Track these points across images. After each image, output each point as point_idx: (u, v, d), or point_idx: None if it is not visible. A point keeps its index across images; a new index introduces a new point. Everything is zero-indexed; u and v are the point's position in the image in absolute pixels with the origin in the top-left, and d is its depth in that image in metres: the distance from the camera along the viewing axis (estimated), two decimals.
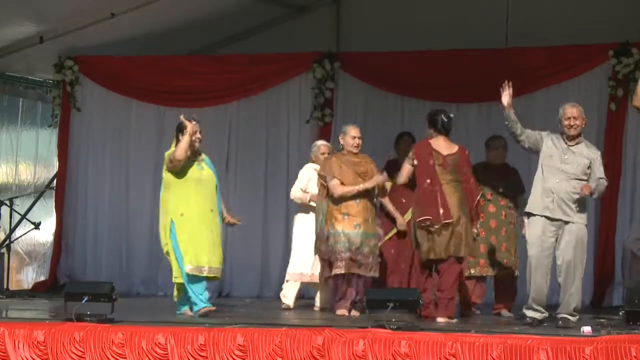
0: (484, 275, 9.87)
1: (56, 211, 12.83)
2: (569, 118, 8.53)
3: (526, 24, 11.90)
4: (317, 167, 10.16)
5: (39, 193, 13.20)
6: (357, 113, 11.95)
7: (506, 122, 8.61)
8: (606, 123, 11.26)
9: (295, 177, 10.46)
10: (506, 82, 8.54)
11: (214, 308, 9.20)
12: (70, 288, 8.81)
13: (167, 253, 9.32)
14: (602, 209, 11.20)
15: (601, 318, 8.71)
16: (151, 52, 12.51)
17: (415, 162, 9.08)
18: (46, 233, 13.15)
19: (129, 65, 12.62)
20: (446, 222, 8.89)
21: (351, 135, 9.57)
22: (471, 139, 11.03)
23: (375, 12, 12.58)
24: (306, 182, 10.21)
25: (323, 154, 10.24)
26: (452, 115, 9.23)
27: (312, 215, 10.06)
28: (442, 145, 9.10)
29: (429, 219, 8.88)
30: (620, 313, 8.34)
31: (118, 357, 7.81)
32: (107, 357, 7.81)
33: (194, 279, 9.16)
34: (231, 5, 12.08)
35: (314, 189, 10.01)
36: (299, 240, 10.30)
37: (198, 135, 9.28)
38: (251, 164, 12.45)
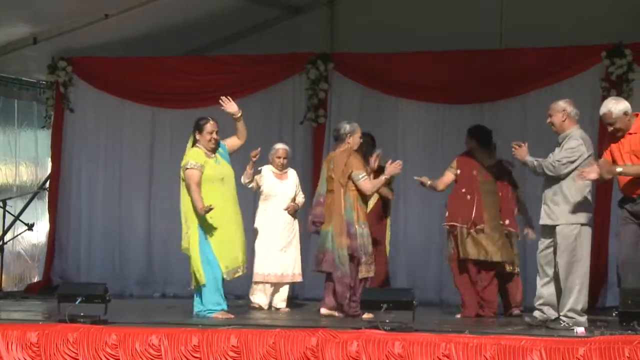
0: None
1: (49, 212, 12.82)
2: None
3: (520, 25, 11.90)
4: (274, 169, 10.44)
5: (32, 194, 13.19)
6: (351, 114, 11.90)
7: (532, 172, 8.67)
8: (599, 124, 11.25)
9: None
10: (515, 145, 8.72)
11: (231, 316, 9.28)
12: (63, 289, 8.79)
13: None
14: (596, 210, 11.14)
15: (595, 319, 8.72)
16: (145, 53, 12.50)
17: (458, 171, 9.76)
18: (40, 234, 13.13)
19: (123, 66, 12.61)
20: (478, 228, 9.60)
21: (359, 135, 9.73)
22: (464, 141, 11.03)
23: (370, 13, 12.58)
24: (258, 179, 10.39)
25: (279, 157, 10.43)
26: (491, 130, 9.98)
27: (270, 209, 10.34)
28: (484, 157, 9.74)
29: (455, 224, 9.62)
30: (614, 314, 8.34)
31: (112, 359, 7.80)
32: (101, 359, 7.80)
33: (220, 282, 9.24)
34: (226, 6, 12.07)
35: (268, 189, 10.38)
36: (262, 238, 10.42)
37: (214, 135, 9.35)
38: (245, 164, 12.43)
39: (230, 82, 12.27)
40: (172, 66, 12.56)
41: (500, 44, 11.93)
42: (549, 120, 8.63)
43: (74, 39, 12.13)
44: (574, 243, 8.45)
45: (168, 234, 11.94)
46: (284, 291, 10.42)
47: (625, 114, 8.38)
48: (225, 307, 9.28)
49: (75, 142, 12.80)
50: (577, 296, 8.47)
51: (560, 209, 8.45)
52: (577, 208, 8.47)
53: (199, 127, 9.38)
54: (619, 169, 8.31)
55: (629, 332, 7.59)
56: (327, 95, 12.21)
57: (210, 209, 9.07)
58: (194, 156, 9.31)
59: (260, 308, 10.27)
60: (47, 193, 13.00)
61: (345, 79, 12.21)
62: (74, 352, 7.85)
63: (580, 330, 7.84)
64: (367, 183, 9.56)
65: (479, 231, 9.62)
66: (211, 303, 9.24)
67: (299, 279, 10.52)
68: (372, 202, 10.24)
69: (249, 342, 7.58)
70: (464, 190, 9.73)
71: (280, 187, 10.46)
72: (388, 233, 10.65)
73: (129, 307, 10.10)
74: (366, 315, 8.87)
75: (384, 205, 10.55)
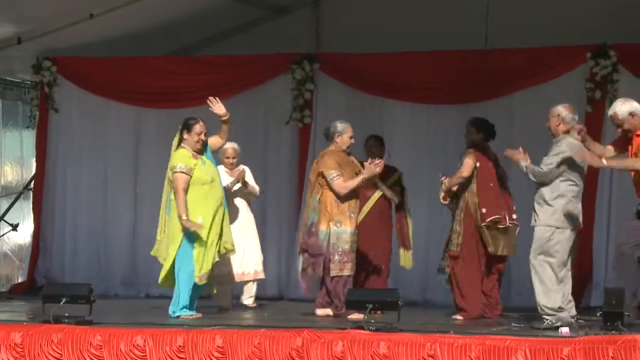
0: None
1: (34, 212, 12.78)
2: None
3: (505, 25, 11.91)
4: (226, 168, 10.32)
5: (17, 194, 13.16)
6: (337, 114, 11.89)
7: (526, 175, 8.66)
8: (585, 125, 11.26)
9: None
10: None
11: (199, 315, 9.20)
12: (48, 290, 8.78)
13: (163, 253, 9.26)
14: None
15: (579, 319, 8.75)
16: (130, 53, 12.48)
17: (478, 164, 9.53)
18: (26, 234, 13.10)
19: (108, 66, 12.59)
20: (511, 221, 9.51)
21: (349, 135, 9.65)
22: (450, 141, 11.06)
23: (355, 13, 12.58)
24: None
25: (228, 157, 10.33)
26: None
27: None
28: (489, 151, 9.68)
29: (499, 218, 9.45)
30: (598, 314, 8.37)
31: (96, 359, 7.79)
32: (85, 359, 7.79)
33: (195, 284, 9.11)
34: (211, 6, 12.06)
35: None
36: None
37: (203, 137, 9.21)
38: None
39: (215, 82, 12.25)
40: (156, 66, 12.55)
41: (485, 45, 11.94)
42: (547, 124, 8.66)
43: (59, 38, 12.10)
44: (546, 245, 8.41)
45: (153, 234, 11.88)
46: (251, 289, 10.36)
47: (632, 114, 8.38)
48: (192, 313, 9.13)
49: (59, 142, 12.77)
50: (551, 296, 8.42)
51: (541, 210, 8.48)
52: (555, 210, 8.43)
53: (187, 127, 9.23)
54: (603, 162, 8.33)
55: (613, 332, 7.62)
56: (313, 96, 12.21)
57: (200, 227, 8.97)
58: (183, 159, 9.15)
59: (226, 309, 10.16)
60: (32, 193, 12.98)
61: (330, 79, 12.20)
62: (58, 352, 7.84)
63: (564, 330, 7.87)
64: (338, 183, 9.41)
65: (510, 224, 9.50)
66: (181, 305, 9.14)
67: (261, 276, 10.45)
68: (371, 202, 10.20)
69: (234, 343, 7.58)
70: (492, 184, 9.54)
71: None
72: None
73: (114, 307, 10.08)
74: (352, 316, 8.86)
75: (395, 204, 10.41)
